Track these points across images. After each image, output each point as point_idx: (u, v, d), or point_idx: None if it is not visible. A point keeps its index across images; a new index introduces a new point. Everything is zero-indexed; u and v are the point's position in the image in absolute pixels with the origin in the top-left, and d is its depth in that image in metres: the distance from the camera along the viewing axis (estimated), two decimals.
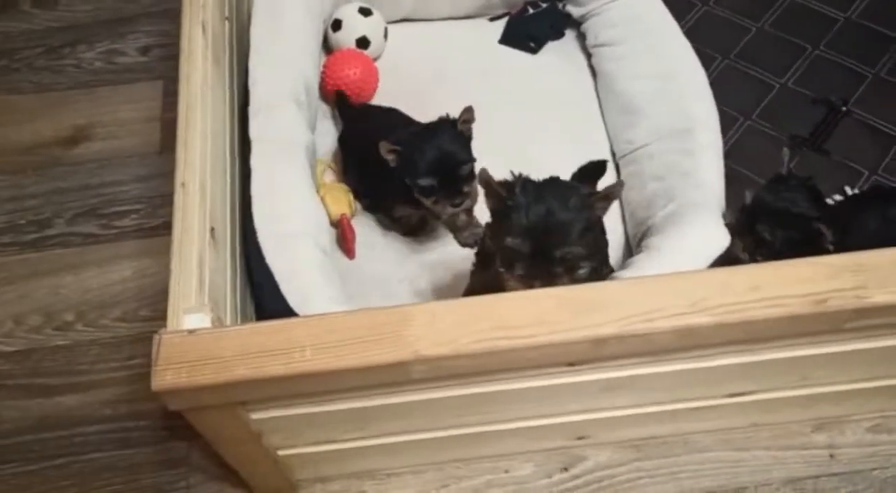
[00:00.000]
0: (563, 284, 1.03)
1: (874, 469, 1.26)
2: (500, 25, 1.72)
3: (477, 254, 1.20)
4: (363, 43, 1.60)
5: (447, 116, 1.27)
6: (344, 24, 1.59)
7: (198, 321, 0.93)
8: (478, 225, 1.41)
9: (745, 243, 1.23)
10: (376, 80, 1.59)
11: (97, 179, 1.62)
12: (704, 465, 1.27)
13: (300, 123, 1.34)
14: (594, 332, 0.90)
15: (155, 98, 1.73)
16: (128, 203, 1.59)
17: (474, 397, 1.02)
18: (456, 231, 1.43)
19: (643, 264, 1.16)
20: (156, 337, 0.90)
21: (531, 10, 1.67)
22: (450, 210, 1.28)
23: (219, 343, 0.89)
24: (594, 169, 1.32)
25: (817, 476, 1.26)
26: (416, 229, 1.44)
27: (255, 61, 1.36)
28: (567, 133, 1.56)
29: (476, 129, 1.49)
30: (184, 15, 1.23)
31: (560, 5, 1.68)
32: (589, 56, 1.65)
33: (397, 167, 1.25)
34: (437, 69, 1.65)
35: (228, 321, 1.08)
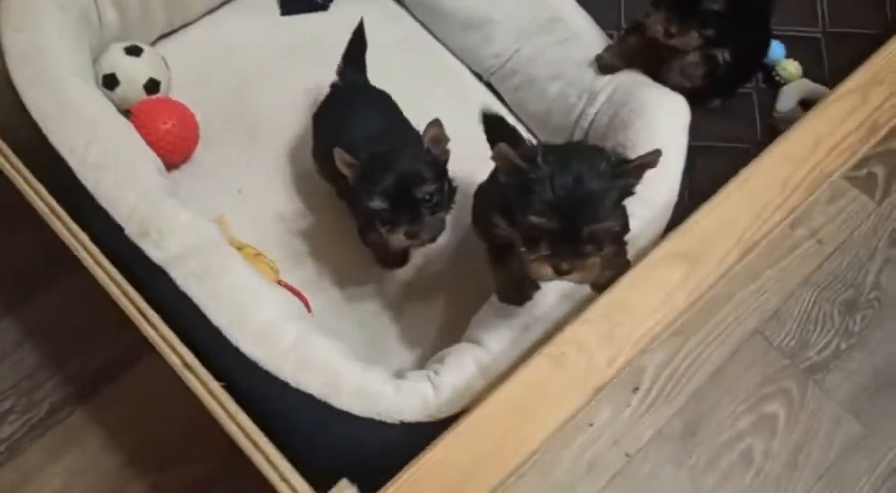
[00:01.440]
0: (593, 264, 0.88)
1: (853, 232, 1.37)
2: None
3: (489, 249, 1.07)
4: (153, 87, 1.31)
5: (417, 133, 1.08)
6: (120, 76, 1.28)
7: None
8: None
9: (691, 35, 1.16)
10: (195, 121, 1.32)
11: None
12: (739, 307, 1.31)
13: (186, 210, 1.08)
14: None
15: None
16: None
17: None
18: None
19: None
20: None
21: None
22: (403, 240, 1.07)
23: None
24: (492, 123, 1.20)
25: (819, 266, 1.34)
26: (393, 262, 1.26)
27: (89, 174, 1.05)
28: (421, 77, 1.41)
29: None
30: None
31: None
32: None
33: (354, 186, 1.07)
34: (239, 72, 1.41)
35: None
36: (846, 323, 1.30)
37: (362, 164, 1.06)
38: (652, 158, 0.88)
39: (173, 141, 1.28)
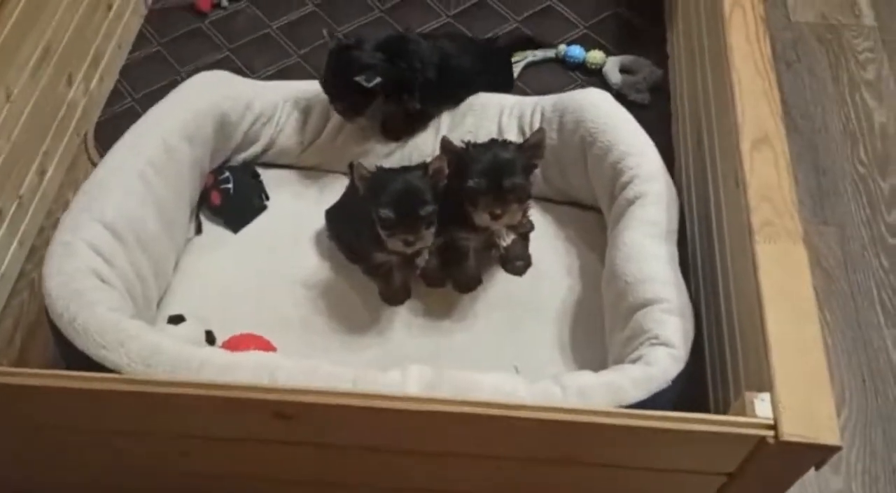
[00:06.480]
0: (515, 210, 1.30)
1: None
2: (214, 228, 1.59)
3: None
4: (211, 337, 1.35)
5: (424, 162, 1.32)
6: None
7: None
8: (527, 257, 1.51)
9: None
10: (264, 339, 1.38)
11: None
12: None
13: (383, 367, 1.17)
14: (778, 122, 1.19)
15: None
16: None
17: None
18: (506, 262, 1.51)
19: None
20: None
21: (228, 185, 1.56)
22: (399, 246, 1.29)
23: None
24: None
25: None
26: (396, 295, 1.47)
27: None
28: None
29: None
30: None
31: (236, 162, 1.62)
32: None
33: (364, 194, 1.31)
34: (245, 294, 1.50)
35: None
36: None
37: (373, 176, 1.29)
38: (538, 137, 1.32)
39: None
